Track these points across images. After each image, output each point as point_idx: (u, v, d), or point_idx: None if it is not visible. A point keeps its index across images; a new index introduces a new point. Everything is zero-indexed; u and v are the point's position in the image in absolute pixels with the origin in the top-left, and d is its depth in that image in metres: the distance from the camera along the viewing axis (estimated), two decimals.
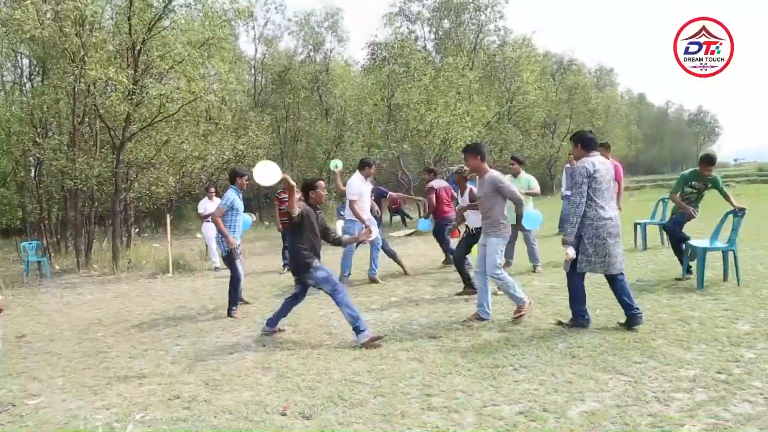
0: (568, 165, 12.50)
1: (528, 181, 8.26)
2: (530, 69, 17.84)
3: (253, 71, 30.21)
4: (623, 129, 41.23)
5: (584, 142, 5.08)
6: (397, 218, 19.29)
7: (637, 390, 3.61)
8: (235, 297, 6.86)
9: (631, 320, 4.90)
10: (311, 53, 31.98)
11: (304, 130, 28.59)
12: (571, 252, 4.89)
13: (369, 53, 23.39)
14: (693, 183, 7.08)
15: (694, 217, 6.98)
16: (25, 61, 14.07)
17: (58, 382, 4.79)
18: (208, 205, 11.63)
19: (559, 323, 5.21)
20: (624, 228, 6.46)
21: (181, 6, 11.99)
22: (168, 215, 11.32)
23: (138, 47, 11.81)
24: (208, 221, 11.66)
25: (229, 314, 6.76)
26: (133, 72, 11.70)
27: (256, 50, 30.63)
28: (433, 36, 23.68)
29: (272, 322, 5.76)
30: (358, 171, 8.34)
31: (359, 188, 8.04)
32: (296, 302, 5.78)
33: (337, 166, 9.07)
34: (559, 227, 12.35)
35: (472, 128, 14.89)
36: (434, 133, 14.73)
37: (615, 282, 4.99)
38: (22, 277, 12.06)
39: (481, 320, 5.55)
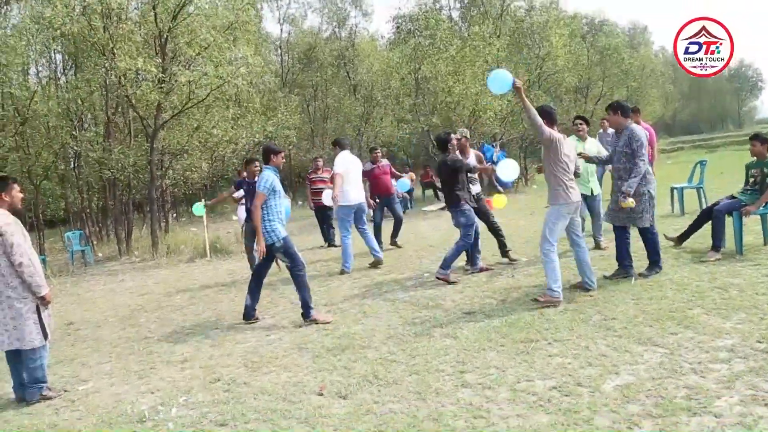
0: (601, 131, 12.19)
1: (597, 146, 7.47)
2: (559, 33, 17.27)
3: (279, 51, 30.21)
4: (659, 89, 39.78)
5: (624, 110, 5.57)
6: (429, 192, 19.22)
7: (673, 362, 3.57)
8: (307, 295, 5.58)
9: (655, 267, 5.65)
10: (336, 30, 31.85)
11: (332, 108, 28.58)
12: (632, 201, 5.34)
13: (394, 27, 23.08)
14: (753, 170, 6.28)
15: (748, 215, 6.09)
16: (59, 57, 14.41)
17: (106, 368, 5.01)
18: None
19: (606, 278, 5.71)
20: (660, 192, 6.33)
21: None
22: (203, 200, 11.54)
23: (164, 35, 11.94)
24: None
25: (308, 317, 5.52)
26: (161, 60, 11.86)
27: (281, 30, 30.64)
28: (458, 5, 23.23)
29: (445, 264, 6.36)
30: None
31: (344, 164, 7.80)
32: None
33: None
34: None
35: (501, 97, 14.61)
36: (463, 104, 14.52)
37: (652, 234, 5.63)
38: (68, 266, 12.53)
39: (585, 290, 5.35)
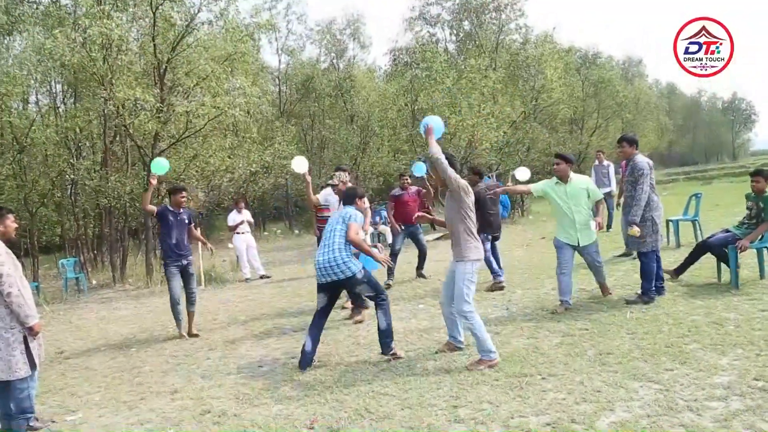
0: (597, 162, 12.28)
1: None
2: (553, 66, 17.58)
3: (277, 82, 30.56)
4: (654, 121, 40.29)
5: (630, 142, 6.04)
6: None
7: (669, 399, 3.53)
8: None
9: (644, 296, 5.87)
10: (334, 61, 32.28)
11: (329, 138, 28.77)
12: (638, 230, 5.71)
13: (391, 59, 23.41)
14: (748, 203, 6.39)
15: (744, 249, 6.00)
16: (58, 86, 14.54)
17: (95, 398, 4.93)
18: (236, 218, 11.84)
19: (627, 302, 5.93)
20: None
21: (203, 23, 12.23)
22: (196, 229, 11.51)
23: (163, 66, 12.10)
24: (238, 233, 11.88)
25: (388, 352, 5.02)
26: (159, 90, 11.99)
27: (279, 61, 31.00)
28: (454, 38, 23.62)
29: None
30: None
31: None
32: None
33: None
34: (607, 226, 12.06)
35: (498, 129, 14.77)
36: (459, 135, 14.66)
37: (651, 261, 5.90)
38: (61, 293, 12.43)
39: None
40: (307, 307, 7.72)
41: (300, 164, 7.07)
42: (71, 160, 12.61)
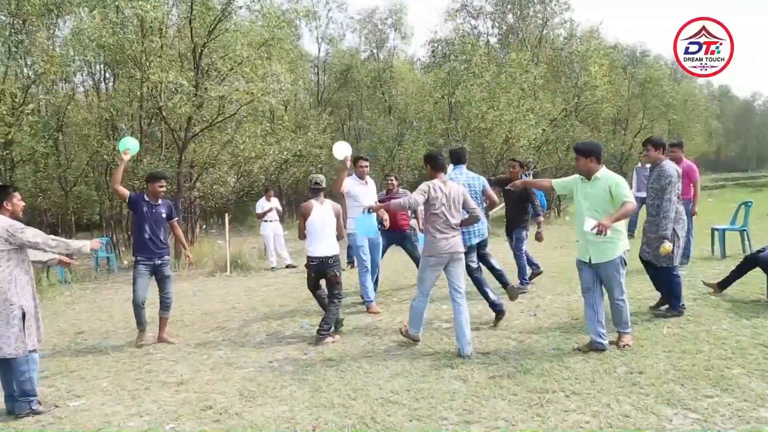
0: (639, 165, 11.70)
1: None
2: (598, 63, 16.89)
3: (316, 70, 30.51)
4: (702, 124, 38.64)
5: (656, 145, 5.47)
6: None
7: (707, 431, 3.17)
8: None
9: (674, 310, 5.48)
10: (374, 51, 32.02)
11: (366, 129, 28.59)
12: (669, 246, 5.15)
13: (429, 50, 22.98)
14: None
15: None
16: (100, 67, 14.70)
17: (102, 384, 4.83)
18: (265, 205, 11.75)
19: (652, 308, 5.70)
20: (699, 231, 5.92)
21: (240, 7, 12.11)
22: (226, 214, 11.48)
23: (199, 50, 12.05)
24: (266, 221, 11.79)
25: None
26: (195, 74, 11.96)
27: (319, 49, 30.96)
28: (496, 31, 23.04)
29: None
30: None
31: (350, 188, 6.88)
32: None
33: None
34: (629, 230, 11.51)
35: (536, 126, 14.25)
36: (496, 131, 14.22)
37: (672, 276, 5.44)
38: (91, 273, 12.59)
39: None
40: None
41: (342, 149, 6.59)
42: (105, 141, 12.71)
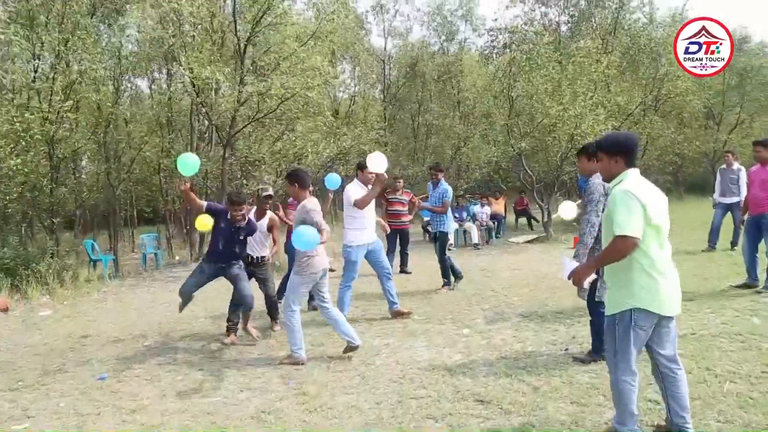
0: (724, 166, 10.14)
1: None
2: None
3: (382, 65, 29.94)
4: None
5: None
6: (523, 220, 17.67)
7: None
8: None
9: None
10: (444, 44, 31.00)
11: (433, 125, 27.68)
12: None
13: (489, 40, 21.65)
14: None
15: None
16: (155, 65, 14.83)
17: (60, 404, 4.43)
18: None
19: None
20: None
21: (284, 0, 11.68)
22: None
23: (243, 44, 11.75)
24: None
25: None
26: (238, 70, 11.66)
27: (385, 43, 30.35)
28: (566, 18, 21.31)
29: None
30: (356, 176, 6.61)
31: (355, 196, 6.22)
32: None
33: None
34: (710, 242, 9.98)
35: (605, 121, 12.85)
36: (560, 127, 12.96)
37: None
38: (137, 268, 12.69)
39: None
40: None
41: (378, 162, 5.48)
42: (152, 138, 12.73)
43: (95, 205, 16.21)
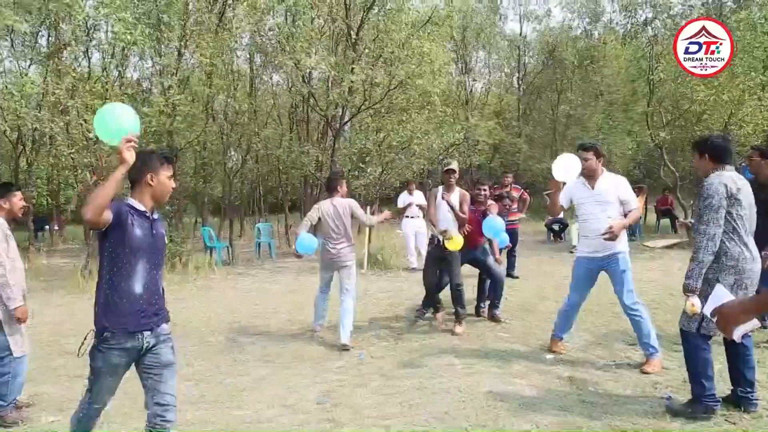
0: None
1: None
2: None
3: (517, 51, 28.34)
4: None
5: None
6: (666, 221, 15.61)
7: None
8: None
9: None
10: (587, 27, 28.55)
11: (573, 115, 25.67)
12: None
13: (626, 16, 19.17)
14: None
15: None
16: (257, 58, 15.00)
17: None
18: (406, 200, 10.79)
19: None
20: None
21: None
22: (368, 207, 10.83)
23: (353, 32, 11.49)
24: (408, 217, 10.78)
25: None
26: (350, 59, 11.41)
27: (521, 28, 28.75)
28: None
29: None
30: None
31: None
32: None
33: None
34: None
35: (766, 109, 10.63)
36: (711, 114, 10.98)
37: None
38: (251, 258, 13.07)
39: None
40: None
41: (565, 169, 4.54)
42: (257, 129, 12.96)
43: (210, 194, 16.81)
